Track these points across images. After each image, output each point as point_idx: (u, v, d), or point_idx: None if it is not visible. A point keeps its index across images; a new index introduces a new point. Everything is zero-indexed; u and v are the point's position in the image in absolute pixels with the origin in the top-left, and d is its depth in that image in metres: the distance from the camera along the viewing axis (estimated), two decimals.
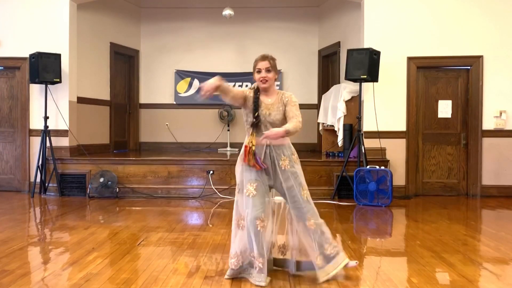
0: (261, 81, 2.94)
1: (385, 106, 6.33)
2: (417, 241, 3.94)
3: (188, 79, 8.95)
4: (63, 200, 6.02)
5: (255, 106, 2.93)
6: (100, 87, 7.89)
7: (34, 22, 6.57)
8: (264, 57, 2.95)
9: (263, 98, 2.98)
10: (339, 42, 7.99)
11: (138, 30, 8.98)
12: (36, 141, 6.55)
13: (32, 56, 6.16)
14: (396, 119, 6.42)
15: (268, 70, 2.93)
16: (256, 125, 2.92)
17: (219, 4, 8.33)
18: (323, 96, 7.78)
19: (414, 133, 6.47)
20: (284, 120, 2.93)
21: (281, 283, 2.84)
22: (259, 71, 2.95)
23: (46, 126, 6.31)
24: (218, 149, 8.60)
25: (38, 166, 6.28)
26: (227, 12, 7.98)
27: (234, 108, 8.73)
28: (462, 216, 5.24)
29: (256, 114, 2.91)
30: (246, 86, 8.89)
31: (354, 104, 6.58)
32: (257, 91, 2.99)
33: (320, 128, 7.81)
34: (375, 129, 6.22)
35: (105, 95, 8.04)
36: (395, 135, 6.40)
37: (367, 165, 5.84)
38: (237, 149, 8.53)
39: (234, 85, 8.90)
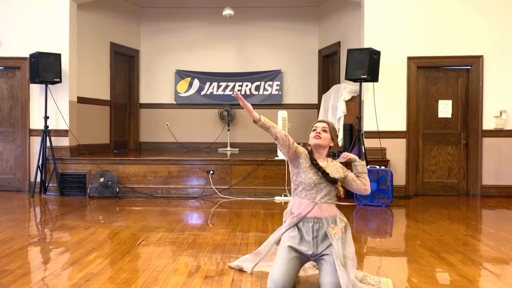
0: (314, 137, 2.84)
1: (385, 106, 6.34)
2: (417, 241, 3.94)
3: (188, 79, 8.95)
4: (63, 200, 6.02)
5: (317, 165, 2.80)
6: (100, 87, 7.89)
7: (34, 22, 6.58)
8: (323, 120, 2.92)
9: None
10: (339, 42, 8.00)
11: (138, 30, 8.99)
12: (36, 141, 6.55)
13: (32, 56, 6.17)
14: (396, 119, 6.42)
15: (324, 130, 2.86)
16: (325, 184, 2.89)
17: (219, 4, 8.34)
18: (323, 96, 7.78)
19: (414, 133, 6.47)
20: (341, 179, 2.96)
21: None
22: (315, 130, 2.87)
23: (46, 126, 6.32)
24: (218, 149, 8.60)
25: (38, 166, 6.28)
26: (227, 12, 7.98)
27: (234, 108, 8.74)
28: (462, 216, 5.23)
29: (325, 172, 2.82)
30: (246, 86, 8.89)
31: (354, 104, 6.58)
32: (311, 153, 2.85)
33: None
34: (375, 129, 6.22)
35: (105, 95, 8.04)
36: (395, 135, 6.41)
37: (367, 165, 5.84)
38: (237, 149, 8.54)
39: (234, 85, 8.92)
